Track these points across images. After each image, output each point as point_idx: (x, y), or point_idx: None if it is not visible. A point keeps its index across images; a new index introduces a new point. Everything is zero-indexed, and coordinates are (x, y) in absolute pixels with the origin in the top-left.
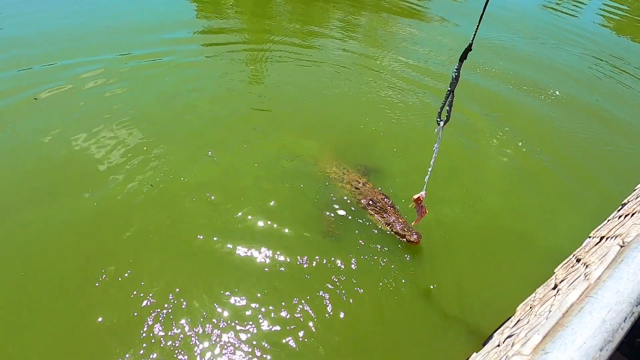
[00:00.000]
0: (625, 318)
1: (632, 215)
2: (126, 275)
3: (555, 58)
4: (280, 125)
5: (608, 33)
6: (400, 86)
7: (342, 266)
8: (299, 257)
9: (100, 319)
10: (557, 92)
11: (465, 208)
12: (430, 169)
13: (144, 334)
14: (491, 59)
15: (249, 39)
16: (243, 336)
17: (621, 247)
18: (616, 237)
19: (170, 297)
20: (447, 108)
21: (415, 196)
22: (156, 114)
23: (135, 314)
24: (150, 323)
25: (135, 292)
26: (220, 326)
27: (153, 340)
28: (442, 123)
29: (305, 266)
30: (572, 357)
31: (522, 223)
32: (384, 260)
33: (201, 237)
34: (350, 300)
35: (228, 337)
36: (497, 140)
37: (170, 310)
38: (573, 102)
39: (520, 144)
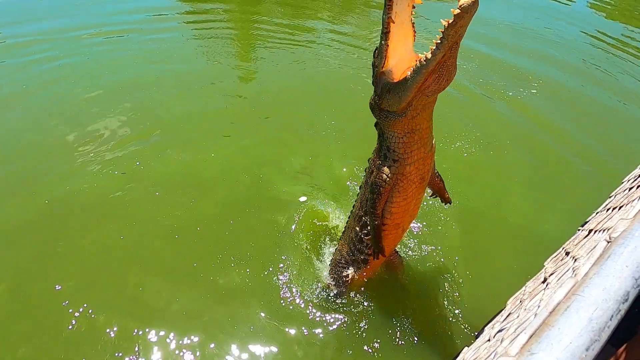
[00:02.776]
0: (612, 316)
1: (620, 208)
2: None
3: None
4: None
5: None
6: None
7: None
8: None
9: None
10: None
11: (458, 199)
12: None
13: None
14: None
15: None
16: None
17: (608, 242)
18: (604, 230)
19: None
20: None
21: None
22: (121, 93)
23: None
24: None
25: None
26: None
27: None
28: None
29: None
30: (558, 358)
31: (514, 214)
32: None
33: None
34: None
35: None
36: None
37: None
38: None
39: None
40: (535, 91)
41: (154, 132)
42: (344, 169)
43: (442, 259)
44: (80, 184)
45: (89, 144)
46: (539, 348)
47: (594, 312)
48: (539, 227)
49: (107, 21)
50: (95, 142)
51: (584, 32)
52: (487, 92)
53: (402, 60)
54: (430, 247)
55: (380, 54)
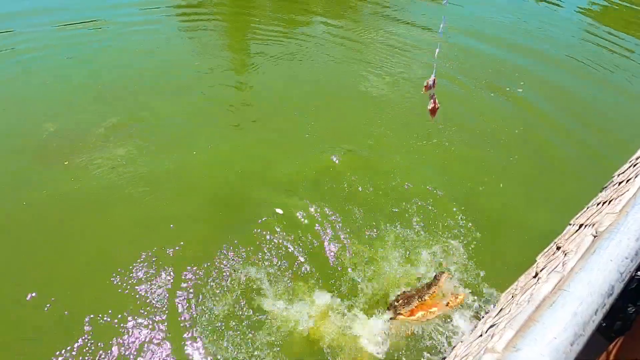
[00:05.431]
0: (597, 310)
1: (609, 202)
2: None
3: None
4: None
5: None
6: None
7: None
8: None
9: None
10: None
11: (456, 195)
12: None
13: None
14: None
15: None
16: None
17: (594, 237)
18: (593, 225)
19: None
20: None
21: (425, 82)
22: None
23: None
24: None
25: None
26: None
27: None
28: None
29: None
30: (542, 353)
31: (511, 208)
32: None
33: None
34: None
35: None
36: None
37: None
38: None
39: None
40: (523, 86)
41: (139, 131)
42: (329, 178)
43: (439, 257)
44: (61, 185)
45: (70, 144)
46: (523, 343)
47: (578, 306)
48: (535, 221)
49: (90, 10)
50: (78, 141)
51: (577, 30)
52: (481, 86)
53: None
54: (427, 246)
55: (407, 308)
